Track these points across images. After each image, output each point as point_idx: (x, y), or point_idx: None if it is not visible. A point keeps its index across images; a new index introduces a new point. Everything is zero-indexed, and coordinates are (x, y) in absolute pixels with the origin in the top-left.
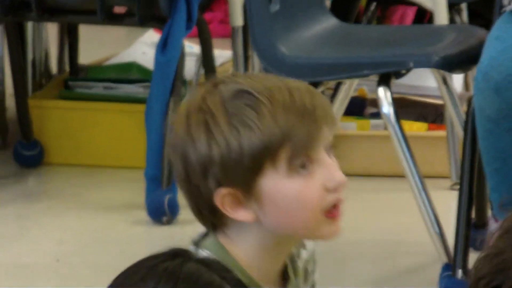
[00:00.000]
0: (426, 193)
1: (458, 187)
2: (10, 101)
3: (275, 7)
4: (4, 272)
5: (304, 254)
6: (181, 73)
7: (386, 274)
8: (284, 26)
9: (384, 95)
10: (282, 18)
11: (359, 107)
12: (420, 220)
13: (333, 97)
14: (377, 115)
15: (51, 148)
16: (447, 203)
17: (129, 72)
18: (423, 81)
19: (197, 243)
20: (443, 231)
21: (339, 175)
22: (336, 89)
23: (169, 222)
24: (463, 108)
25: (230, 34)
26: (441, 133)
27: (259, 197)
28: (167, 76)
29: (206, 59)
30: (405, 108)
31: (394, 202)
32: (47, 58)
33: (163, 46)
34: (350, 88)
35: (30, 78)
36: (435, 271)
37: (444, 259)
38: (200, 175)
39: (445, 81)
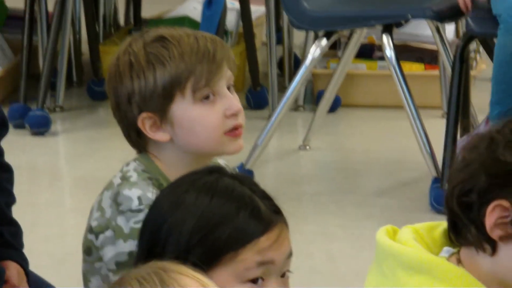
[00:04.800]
0: (420, 120)
1: None
2: (85, 48)
3: None
4: (79, 183)
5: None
6: (223, 24)
7: (389, 186)
8: None
9: (387, 41)
10: None
11: (369, 51)
12: (416, 142)
13: (347, 43)
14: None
15: None
16: (441, 128)
17: (182, 24)
18: (422, 30)
19: (135, 158)
20: (433, 151)
21: (236, 105)
22: (349, 37)
23: None
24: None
25: None
26: (435, 72)
27: (172, 121)
28: (212, 27)
29: (244, 13)
30: (407, 52)
31: (396, 128)
32: (115, 13)
33: (209, 2)
34: (360, 36)
35: (101, 29)
36: (427, 184)
37: (434, 174)
38: (126, 103)
39: (438, 30)
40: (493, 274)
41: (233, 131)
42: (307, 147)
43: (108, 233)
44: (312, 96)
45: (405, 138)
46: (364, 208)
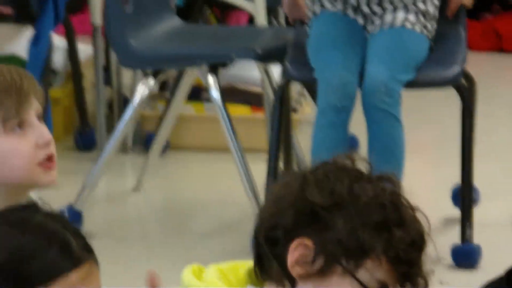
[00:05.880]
0: (245, 162)
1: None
2: None
3: (129, 9)
4: None
5: None
6: (50, 62)
7: (217, 225)
8: (135, 25)
9: (212, 82)
10: (134, 19)
11: (196, 93)
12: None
13: (176, 84)
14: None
15: None
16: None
17: (10, 63)
18: (250, 72)
19: None
20: (258, 193)
21: (47, 135)
22: (178, 78)
23: None
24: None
25: None
26: (262, 115)
27: None
28: (38, 66)
29: (72, 53)
30: (234, 94)
31: (223, 170)
32: None
33: (35, 40)
34: (190, 77)
35: None
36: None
37: None
38: None
39: (265, 71)
40: None
41: (47, 162)
42: (140, 190)
43: None
44: (140, 138)
45: (232, 180)
46: (192, 250)
